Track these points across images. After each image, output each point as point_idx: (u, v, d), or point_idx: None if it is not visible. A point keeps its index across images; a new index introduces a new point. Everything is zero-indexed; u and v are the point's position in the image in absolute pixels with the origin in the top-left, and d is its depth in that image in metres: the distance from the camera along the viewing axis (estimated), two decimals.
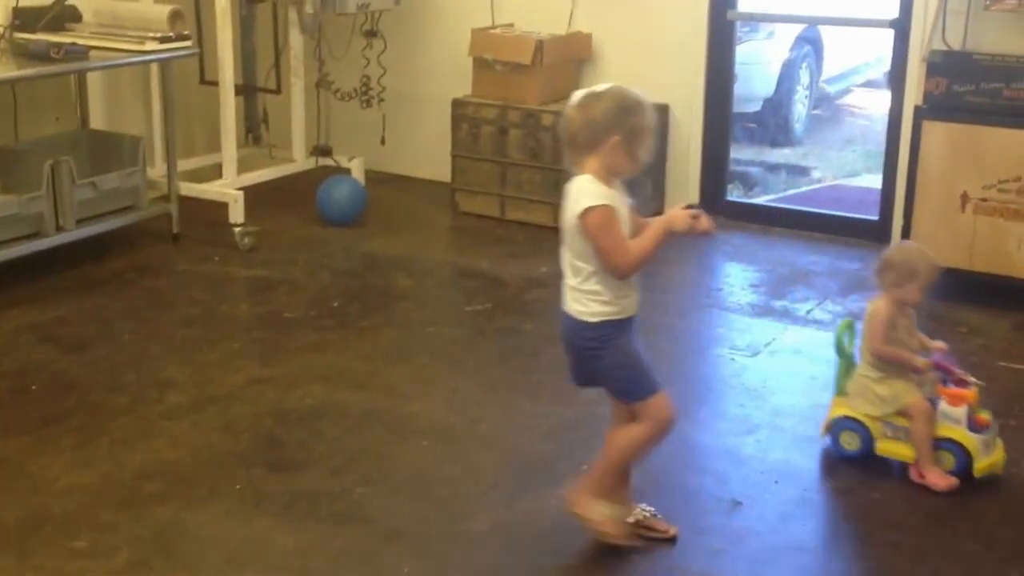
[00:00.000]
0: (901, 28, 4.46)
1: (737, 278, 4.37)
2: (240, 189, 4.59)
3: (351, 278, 4.27)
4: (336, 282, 4.21)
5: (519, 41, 4.79)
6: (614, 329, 2.44)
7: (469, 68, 4.91)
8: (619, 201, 2.43)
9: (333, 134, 5.27)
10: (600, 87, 2.43)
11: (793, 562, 2.55)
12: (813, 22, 6.51)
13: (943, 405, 2.83)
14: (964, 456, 2.83)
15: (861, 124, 7.33)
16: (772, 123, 6.66)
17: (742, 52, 5.39)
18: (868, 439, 2.94)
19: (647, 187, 4.84)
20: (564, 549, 2.63)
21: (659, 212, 4.84)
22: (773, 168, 6.30)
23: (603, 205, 2.37)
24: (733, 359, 3.61)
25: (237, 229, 4.49)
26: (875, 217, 4.70)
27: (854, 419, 2.94)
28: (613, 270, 2.40)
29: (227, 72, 4.58)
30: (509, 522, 2.68)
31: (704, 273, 4.50)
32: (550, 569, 2.55)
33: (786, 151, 6.60)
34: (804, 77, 6.80)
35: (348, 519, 2.69)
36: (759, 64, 6.28)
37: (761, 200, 5.52)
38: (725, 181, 5.06)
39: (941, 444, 2.84)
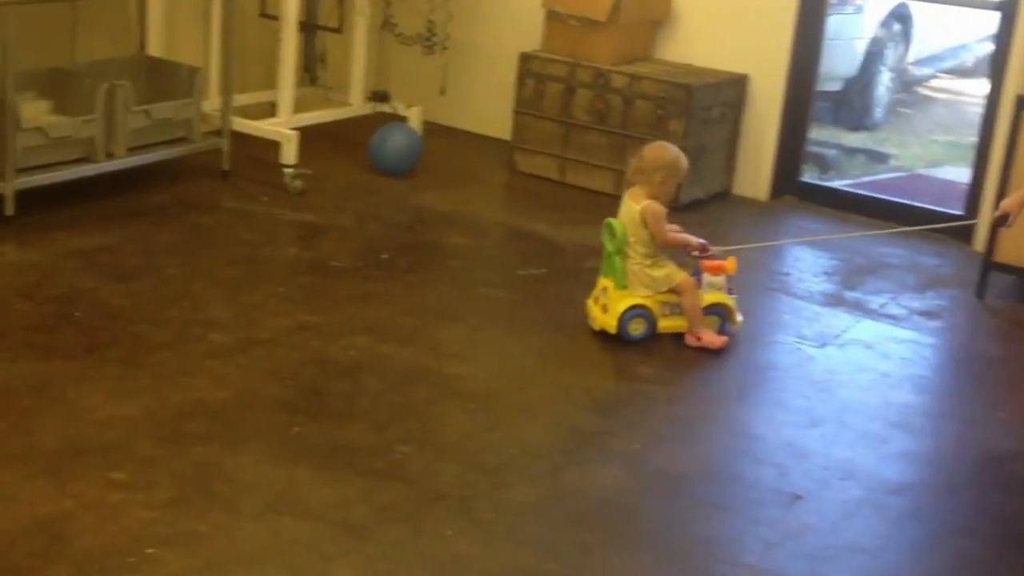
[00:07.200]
0: (1008, 10, 4.23)
1: (807, 264, 4.18)
2: (294, 129, 4.45)
3: (401, 231, 4.14)
4: (386, 233, 4.08)
5: None
6: None
7: (540, 20, 4.71)
8: None
9: (392, 80, 5.10)
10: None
11: (853, 563, 2.44)
12: None
13: (707, 277, 3.38)
14: (725, 315, 3.40)
15: (946, 112, 7.00)
16: (853, 104, 6.31)
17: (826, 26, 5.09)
18: (652, 321, 3.35)
19: (719, 160, 4.64)
20: (611, 526, 2.53)
21: (727, 189, 4.76)
22: (850, 151, 6.02)
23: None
24: (799, 348, 3.46)
25: (288, 171, 4.36)
26: (960, 211, 4.46)
27: (640, 305, 3.32)
28: None
29: (289, 6, 4.43)
30: (555, 495, 2.62)
31: (771, 256, 4.28)
32: (595, 546, 2.45)
33: (864, 135, 6.28)
34: (890, 58, 6.44)
35: (390, 476, 2.63)
36: (843, 40, 5.91)
37: (837, 184, 5.23)
38: (801, 161, 4.83)
39: (709, 310, 3.36)
